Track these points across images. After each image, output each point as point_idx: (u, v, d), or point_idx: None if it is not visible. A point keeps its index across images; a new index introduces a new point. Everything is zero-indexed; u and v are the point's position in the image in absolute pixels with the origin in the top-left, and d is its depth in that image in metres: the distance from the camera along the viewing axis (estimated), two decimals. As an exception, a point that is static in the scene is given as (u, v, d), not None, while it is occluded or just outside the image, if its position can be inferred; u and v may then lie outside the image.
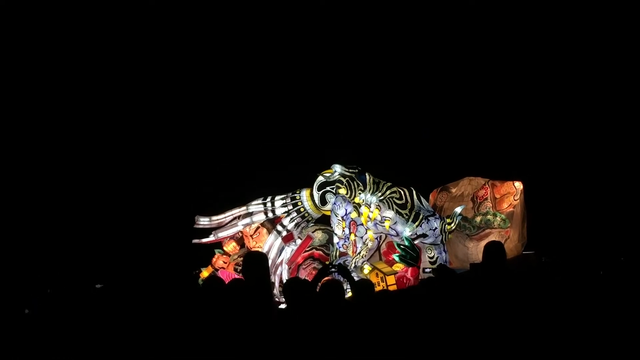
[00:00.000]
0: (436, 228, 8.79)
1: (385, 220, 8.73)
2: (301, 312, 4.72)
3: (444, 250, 9.03)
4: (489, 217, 9.66)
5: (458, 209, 9.19)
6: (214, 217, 10.65)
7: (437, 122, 11.38)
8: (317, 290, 5.12)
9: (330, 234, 10.08)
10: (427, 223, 8.78)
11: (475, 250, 9.63)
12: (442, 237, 8.89)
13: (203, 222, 10.66)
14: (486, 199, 9.86)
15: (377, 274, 8.52)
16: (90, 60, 12.25)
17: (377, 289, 8.53)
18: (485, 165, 10.46)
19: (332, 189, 9.70)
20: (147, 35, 11.91)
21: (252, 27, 11.70)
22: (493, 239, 9.19)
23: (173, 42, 12.03)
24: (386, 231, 8.91)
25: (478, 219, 9.78)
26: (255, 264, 5.16)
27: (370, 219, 8.86)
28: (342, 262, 8.97)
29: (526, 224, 9.86)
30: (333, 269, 5.76)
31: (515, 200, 9.69)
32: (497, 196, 9.84)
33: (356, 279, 8.79)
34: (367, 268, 8.75)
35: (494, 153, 10.97)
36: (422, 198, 9.18)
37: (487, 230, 9.71)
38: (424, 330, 4.47)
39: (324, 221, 10.21)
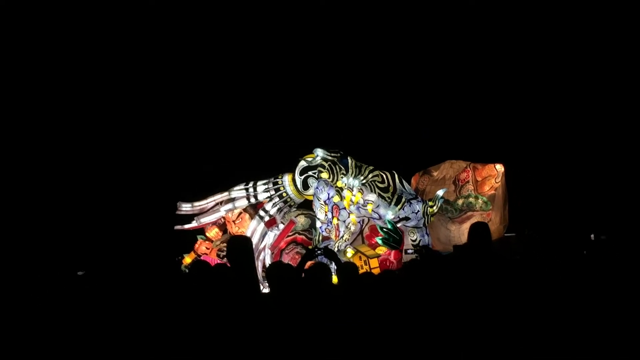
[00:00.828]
0: (418, 211, 8.80)
1: (367, 203, 8.73)
2: (286, 297, 4.69)
3: (427, 233, 9.05)
4: (470, 199, 9.72)
5: (440, 192, 9.20)
6: (196, 203, 10.60)
7: (419, 108, 11.32)
8: (303, 275, 5.09)
9: (313, 218, 10.07)
10: (410, 206, 8.78)
11: (458, 233, 9.70)
12: (424, 220, 8.90)
13: (185, 208, 10.61)
14: (468, 181, 9.91)
15: (360, 257, 8.53)
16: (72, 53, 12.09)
17: (361, 272, 8.56)
18: (467, 149, 10.47)
19: (314, 173, 9.67)
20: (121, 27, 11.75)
21: (240, 20, 11.60)
22: (475, 221, 9.25)
23: (153, 33, 11.88)
24: (369, 214, 8.91)
25: (460, 201, 9.84)
26: (239, 248, 5.08)
27: (353, 202, 8.85)
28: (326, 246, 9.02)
29: (508, 206, 9.93)
30: (319, 252, 5.73)
31: (496, 182, 9.75)
32: (479, 179, 9.89)
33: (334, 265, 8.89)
34: (350, 252, 8.76)
35: (476, 136, 10.97)
36: (404, 181, 9.18)
37: (469, 213, 9.79)
38: (410, 314, 4.45)
39: (307, 206, 10.23)
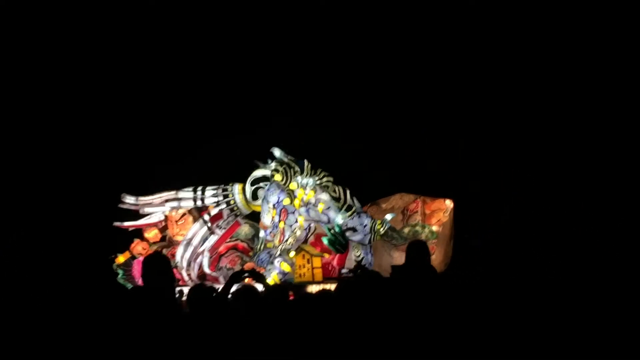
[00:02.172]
0: (366, 225, 8.79)
1: (319, 202, 8.70)
2: (209, 321, 4.40)
3: (370, 253, 9.01)
4: (417, 228, 9.73)
5: (388, 216, 9.21)
6: (141, 198, 10.38)
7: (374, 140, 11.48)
8: (230, 296, 4.78)
9: (257, 229, 9.96)
10: (359, 218, 8.77)
11: (400, 260, 9.59)
12: (370, 237, 8.87)
13: (129, 200, 10.36)
14: (416, 212, 9.94)
15: (303, 256, 8.43)
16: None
17: (302, 270, 8.43)
18: (418, 184, 10.55)
19: (265, 185, 9.68)
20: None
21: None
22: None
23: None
24: (318, 217, 8.84)
25: (406, 230, 9.83)
26: (155, 268, 4.37)
27: (304, 201, 8.79)
28: (257, 265, 8.88)
29: (452, 244, 9.96)
30: (246, 274, 5.43)
31: (444, 216, 9.82)
32: (427, 211, 9.94)
33: (276, 270, 8.72)
34: (292, 252, 8.65)
35: (428, 172, 11.10)
36: (354, 199, 9.19)
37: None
38: (343, 335, 4.22)
39: (253, 218, 10.13)
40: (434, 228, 9.74)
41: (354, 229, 8.74)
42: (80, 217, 11.42)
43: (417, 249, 5.74)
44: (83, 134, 11.91)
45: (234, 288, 4.82)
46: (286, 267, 8.60)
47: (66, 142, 11.95)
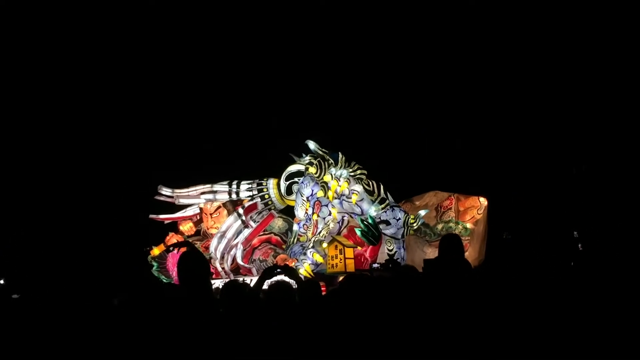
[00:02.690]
0: (399, 219, 8.76)
1: (353, 194, 8.70)
2: (242, 317, 4.39)
3: (403, 247, 8.98)
4: (450, 224, 9.67)
5: (422, 212, 9.18)
6: (177, 190, 10.54)
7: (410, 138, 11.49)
8: (263, 291, 4.76)
9: (290, 223, 10.04)
10: (392, 211, 8.76)
11: (433, 256, 9.58)
12: (403, 231, 8.84)
13: (165, 192, 10.53)
14: (450, 208, 9.89)
15: (336, 246, 8.41)
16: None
17: (335, 261, 8.42)
18: (453, 182, 10.53)
19: (299, 179, 9.76)
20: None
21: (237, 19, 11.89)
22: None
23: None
24: (351, 209, 8.84)
25: (440, 226, 9.78)
26: (191, 266, 4.28)
27: (338, 193, 8.80)
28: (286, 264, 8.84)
29: (486, 242, 9.89)
30: (278, 270, 5.37)
31: (478, 214, 9.74)
32: (461, 208, 9.88)
33: (308, 261, 8.72)
34: (325, 243, 8.66)
35: (462, 170, 11.06)
36: (388, 193, 9.19)
37: (449, 239, 9.70)
38: (375, 332, 4.18)
39: (287, 213, 10.20)
40: (468, 225, 9.68)
41: (387, 222, 8.72)
42: (117, 209, 11.60)
43: (450, 242, 5.57)
44: (120, 129, 12.13)
45: (266, 284, 4.81)
46: (318, 258, 8.61)
47: (104, 137, 12.18)
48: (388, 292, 4.68)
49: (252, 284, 5.08)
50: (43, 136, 12.15)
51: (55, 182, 12.01)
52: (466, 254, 9.44)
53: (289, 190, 9.97)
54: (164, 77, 11.86)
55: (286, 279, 5.45)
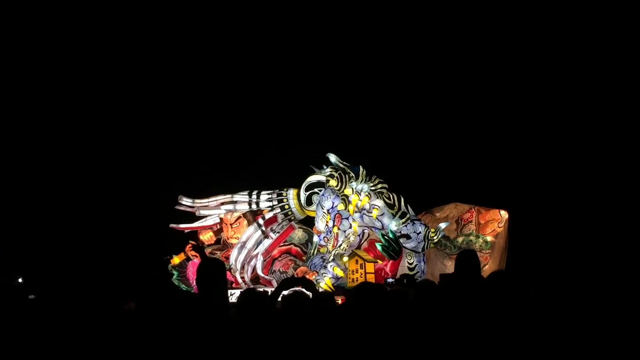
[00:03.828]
0: (420, 232, 8.76)
1: (373, 208, 8.71)
2: (258, 326, 4.41)
3: (424, 260, 8.98)
4: (471, 237, 9.66)
5: (442, 225, 9.18)
6: (197, 200, 10.59)
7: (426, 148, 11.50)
8: (280, 301, 4.77)
9: (310, 234, 10.06)
10: (412, 225, 8.76)
11: (453, 269, 9.57)
12: (423, 245, 8.84)
13: (186, 202, 10.57)
14: (470, 221, 9.88)
15: (357, 261, 8.44)
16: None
17: (355, 275, 8.44)
18: (473, 194, 10.50)
19: (320, 190, 9.76)
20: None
21: (250, 24, 11.94)
22: (473, 260, 9.21)
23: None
24: (372, 223, 8.86)
25: (460, 239, 9.76)
26: (209, 275, 4.38)
27: (359, 207, 8.81)
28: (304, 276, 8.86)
29: (506, 256, 9.86)
30: (296, 282, 5.36)
31: (499, 227, 9.72)
32: (482, 221, 9.87)
33: (329, 275, 8.75)
34: (345, 257, 8.68)
35: (482, 182, 11.04)
36: (409, 206, 9.19)
37: (469, 253, 9.67)
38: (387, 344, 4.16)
39: (306, 223, 10.21)
40: (488, 238, 9.65)
41: (407, 236, 8.73)
42: (137, 218, 11.69)
43: (467, 258, 5.51)
44: (141, 138, 12.22)
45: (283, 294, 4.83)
46: (339, 272, 8.63)
47: (126, 145, 12.27)
48: (400, 305, 4.69)
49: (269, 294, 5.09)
50: (66, 144, 12.26)
51: (79, 190, 12.13)
52: (486, 267, 9.50)
53: (309, 201, 9.97)
54: (184, 88, 11.93)
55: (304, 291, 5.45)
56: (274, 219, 9.82)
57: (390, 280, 8.64)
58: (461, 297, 4.93)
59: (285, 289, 5.05)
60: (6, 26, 11.70)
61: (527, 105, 11.19)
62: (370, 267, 8.29)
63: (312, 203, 9.91)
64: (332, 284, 8.58)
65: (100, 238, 11.75)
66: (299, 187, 10.09)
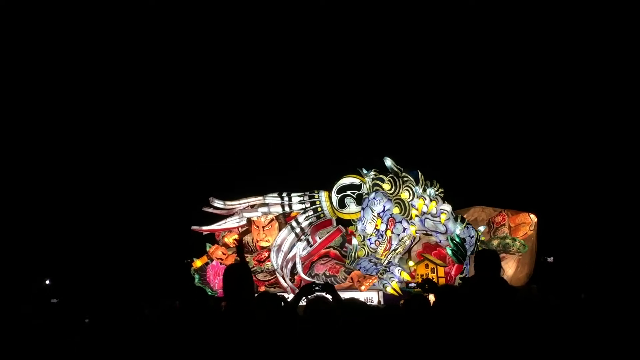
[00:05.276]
0: (473, 236, 8.94)
1: (442, 213, 8.78)
2: (277, 330, 4.41)
3: (468, 263, 9.16)
4: (507, 241, 9.86)
5: (481, 228, 9.40)
6: (229, 202, 10.36)
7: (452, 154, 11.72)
8: (303, 307, 4.77)
9: (344, 237, 10.04)
10: (467, 229, 8.92)
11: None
12: (473, 248, 9.01)
13: (217, 204, 10.33)
14: (503, 224, 10.10)
15: (427, 265, 8.52)
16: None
17: (431, 275, 8.52)
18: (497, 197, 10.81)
19: (353, 193, 9.74)
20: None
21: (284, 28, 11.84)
22: (507, 262, 9.51)
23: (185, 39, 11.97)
24: (435, 227, 8.92)
25: (495, 242, 9.94)
26: (234, 279, 4.33)
27: (426, 212, 8.85)
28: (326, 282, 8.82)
29: (535, 257, 10.18)
30: (317, 288, 5.34)
31: (530, 230, 10.00)
32: (512, 225, 10.10)
33: (396, 279, 8.77)
34: (411, 262, 8.76)
35: (507, 186, 11.36)
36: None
37: (503, 255, 9.87)
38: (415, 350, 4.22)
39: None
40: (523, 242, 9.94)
41: (463, 240, 8.88)
42: (160, 220, 11.35)
43: (485, 259, 4.83)
44: (169, 140, 11.92)
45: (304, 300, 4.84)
46: (406, 276, 8.69)
47: (153, 147, 11.95)
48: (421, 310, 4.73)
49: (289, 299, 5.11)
50: (90, 149, 11.89)
51: (106, 194, 11.80)
52: (517, 269, 9.79)
53: (342, 203, 9.94)
54: (215, 92, 11.71)
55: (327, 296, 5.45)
56: (329, 222, 9.78)
57: (412, 284, 8.76)
58: (483, 302, 4.90)
59: (305, 295, 5.06)
60: (7, 26, 11.12)
61: (529, 104, 11.59)
62: (441, 271, 8.41)
63: (345, 205, 9.88)
64: (400, 288, 8.64)
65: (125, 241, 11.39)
66: (329, 190, 10.06)
